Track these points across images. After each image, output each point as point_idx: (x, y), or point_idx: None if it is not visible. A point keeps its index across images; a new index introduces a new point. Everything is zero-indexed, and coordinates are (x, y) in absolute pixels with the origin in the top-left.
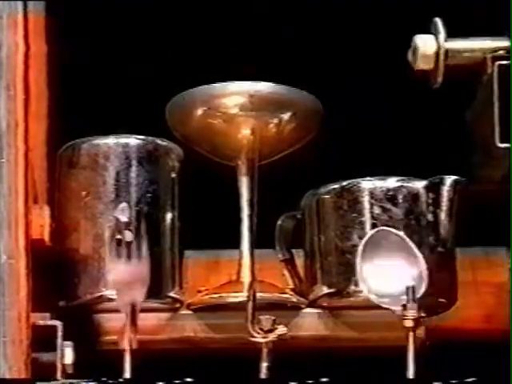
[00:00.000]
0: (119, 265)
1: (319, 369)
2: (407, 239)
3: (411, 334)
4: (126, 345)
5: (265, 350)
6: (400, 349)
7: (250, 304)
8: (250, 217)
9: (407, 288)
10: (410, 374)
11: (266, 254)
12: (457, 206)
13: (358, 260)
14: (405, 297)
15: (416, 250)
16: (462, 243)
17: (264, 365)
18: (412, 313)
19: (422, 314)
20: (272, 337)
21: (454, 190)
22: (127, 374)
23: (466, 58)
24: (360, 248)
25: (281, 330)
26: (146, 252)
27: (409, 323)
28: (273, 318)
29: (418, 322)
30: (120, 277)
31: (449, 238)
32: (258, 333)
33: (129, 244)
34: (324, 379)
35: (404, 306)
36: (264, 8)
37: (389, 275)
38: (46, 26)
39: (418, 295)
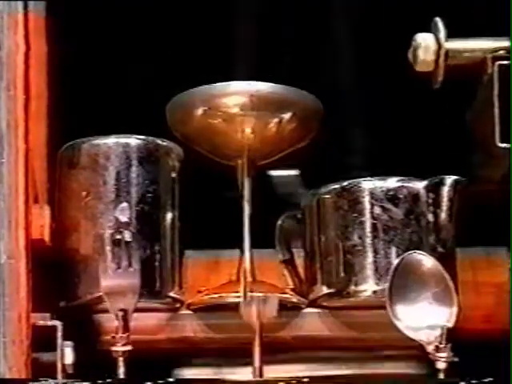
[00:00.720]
0: (111, 272)
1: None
2: (440, 266)
3: (442, 375)
4: (118, 350)
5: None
6: (400, 349)
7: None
8: (250, 217)
9: (442, 329)
10: None
11: (266, 254)
12: (457, 206)
13: (388, 285)
14: (433, 332)
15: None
16: (463, 243)
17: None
18: (445, 355)
19: (455, 359)
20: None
21: (454, 190)
22: (120, 376)
23: (466, 58)
24: (390, 274)
25: None
26: (138, 261)
27: (441, 365)
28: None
29: (450, 364)
30: (112, 284)
31: (449, 238)
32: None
33: (123, 252)
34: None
35: (437, 348)
36: (264, 8)
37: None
38: (46, 26)
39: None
